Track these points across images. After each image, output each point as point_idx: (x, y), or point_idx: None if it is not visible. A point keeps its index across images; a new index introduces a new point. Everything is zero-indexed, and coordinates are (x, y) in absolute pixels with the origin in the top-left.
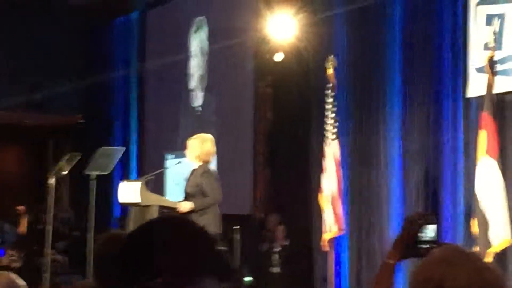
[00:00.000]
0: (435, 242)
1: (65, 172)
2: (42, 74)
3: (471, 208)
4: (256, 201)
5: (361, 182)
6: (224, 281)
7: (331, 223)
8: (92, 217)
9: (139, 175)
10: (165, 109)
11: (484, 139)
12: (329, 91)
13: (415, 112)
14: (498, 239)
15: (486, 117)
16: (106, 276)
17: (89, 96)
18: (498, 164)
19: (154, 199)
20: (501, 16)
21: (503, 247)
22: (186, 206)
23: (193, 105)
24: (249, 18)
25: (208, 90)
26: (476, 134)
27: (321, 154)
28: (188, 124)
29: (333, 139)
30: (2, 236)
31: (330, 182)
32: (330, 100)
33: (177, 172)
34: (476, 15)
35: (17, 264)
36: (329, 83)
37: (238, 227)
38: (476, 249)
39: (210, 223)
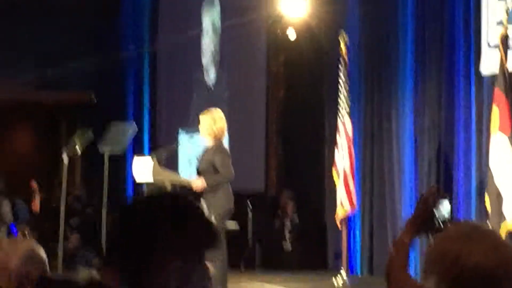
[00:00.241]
0: (450, 218)
1: (78, 149)
2: (54, 52)
3: (483, 184)
4: (269, 178)
5: (374, 159)
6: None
7: (344, 199)
8: (105, 194)
9: (152, 151)
10: (178, 85)
11: (497, 115)
12: (342, 68)
13: (428, 88)
14: (511, 214)
15: (498, 94)
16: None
17: (102, 73)
18: (510, 140)
19: (166, 176)
20: None
21: None
22: (198, 183)
23: (205, 82)
24: None
25: (220, 67)
26: (489, 110)
27: (334, 131)
28: (201, 101)
29: (345, 116)
30: (15, 213)
31: (343, 159)
32: (343, 77)
33: (190, 148)
34: None
35: None
36: (341, 60)
37: (251, 204)
38: (489, 224)
39: (222, 200)
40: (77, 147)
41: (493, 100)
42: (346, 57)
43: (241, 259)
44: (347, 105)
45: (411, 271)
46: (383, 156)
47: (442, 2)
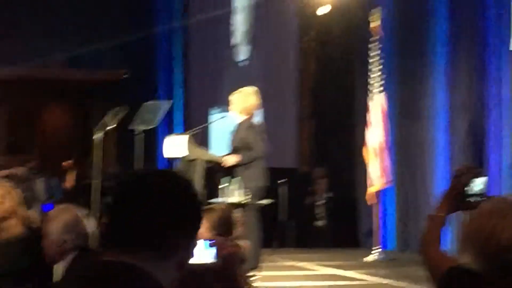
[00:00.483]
0: (483, 195)
1: (111, 127)
2: (86, 30)
3: None
4: (301, 155)
5: (407, 135)
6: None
7: (377, 175)
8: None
9: (184, 129)
10: (210, 63)
11: None
12: (375, 44)
13: (461, 65)
14: None
15: None
16: None
17: (134, 51)
18: None
19: (199, 153)
20: None
21: None
22: (231, 160)
23: (237, 60)
24: None
25: (252, 44)
26: None
27: (365, 108)
28: (233, 79)
29: (379, 92)
30: (49, 191)
31: (376, 135)
32: (376, 53)
33: (222, 126)
34: None
35: None
36: (374, 36)
37: (284, 180)
38: None
39: (256, 176)
40: (109, 125)
41: None
42: (378, 33)
43: (274, 236)
44: (380, 81)
45: (446, 247)
46: (416, 132)
47: None
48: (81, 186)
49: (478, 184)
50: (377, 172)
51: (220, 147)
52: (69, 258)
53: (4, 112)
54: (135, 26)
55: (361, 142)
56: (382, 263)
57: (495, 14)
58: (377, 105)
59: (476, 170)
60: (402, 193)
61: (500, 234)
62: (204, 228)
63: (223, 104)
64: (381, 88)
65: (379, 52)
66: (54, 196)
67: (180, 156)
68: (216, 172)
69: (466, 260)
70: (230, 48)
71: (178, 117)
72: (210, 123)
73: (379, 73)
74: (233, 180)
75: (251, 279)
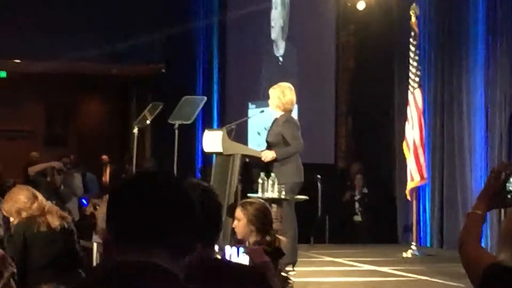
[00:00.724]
0: None
1: (148, 122)
2: (124, 25)
3: None
4: (339, 151)
5: (444, 131)
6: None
7: (414, 172)
8: (175, 166)
9: (221, 124)
10: (247, 58)
11: None
12: (412, 40)
13: (499, 61)
14: None
15: None
16: None
17: (171, 46)
18: None
19: (237, 148)
20: None
21: None
22: (268, 155)
23: (275, 55)
24: None
25: (290, 39)
26: None
27: (404, 103)
28: (270, 74)
29: (415, 88)
30: (85, 186)
31: (413, 131)
32: (413, 48)
33: (259, 121)
34: None
35: None
36: (412, 31)
37: (321, 176)
38: None
39: (292, 172)
40: (147, 119)
41: None
42: (416, 29)
43: (311, 231)
44: (418, 76)
45: (484, 244)
46: (453, 129)
47: None
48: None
49: None
50: (414, 168)
51: (257, 142)
52: None
53: (42, 106)
54: (174, 21)
55: (399, 137)
56: (419, 259)
57: None
58: (413, 101)
59: None
60: (439, 190)
61: None
62: (242, 221)
63: (261, 99)
64: (418, 84)
65: (416, 48)
66: (90, 191)
67: (217, 151)
68: (252, 168)
69: (505, 257)
70: (268, 43)
71: (215, 111)
72: (248, 118)
73: (416, 69)
74: (269, 175)
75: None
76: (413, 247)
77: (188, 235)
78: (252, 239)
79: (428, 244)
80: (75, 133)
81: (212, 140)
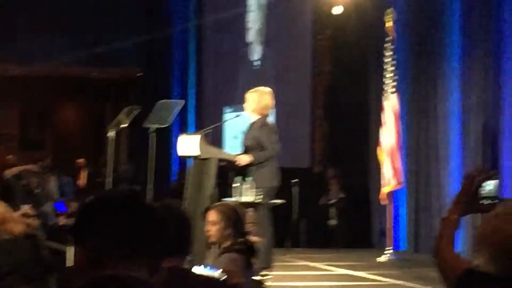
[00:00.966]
0: (496, 197)
1: (124, 125)
2: (102, 29)
3: None
4: (314, 155)
5: (420, 136)
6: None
7: (390, 176)
8: (152, 170)
9: (197, 128)
10: (223, 63)
11: None
12: (388, 45)
13: (474, 66)
14: None
15: None
16: None
17: (149, 51)
18: None
19: (213, 152)
20: None
21: None
22: (244, 159)
23: (251, 59)
24: None
25: (266, 43)
26: None
27: (379, 108)
28: (246, 78)
29: (392, 93)
30: (61, 189)
31: (388, 136)
32: (389, 53)
33: (235, 125)
34: None
35: None
36: (388, 36)
37: (297, 180)
38: None
39: (268, 176)
40: (123, 123)
41: None
42: (393, 34)
43: (287, 235)
44: (394, 81)
45: (459, 249)
46: (429, 133)
47: None
48: (94, 183)
49: (490, 187)
50: (389, 173)
51: (233, 146)
52: None
53: (17, 109)
54: (151, 25)
55: (375, 142)
56: (395, 264)
57: (510, 14)
58: (389, 106)
59: (488, 173)
60: (414, 194)
61: None
62: (218, 225)
63: (237, 103)
64: (394, 89)
65: (392, 52)
66: (66, 193)
67: (193, 155)
68: (228, 171)
69: (480, 262)
70: (244, 48)
71: (191, 115)
72: (224, 122)
73: (393, 73)
74: (245, 179)
75: (265, 277)
76: (389, 251)
77: (158, 250)
78: (228, 243)
79: (404, 249)
80: (51, 136)
81: (188, 144)
